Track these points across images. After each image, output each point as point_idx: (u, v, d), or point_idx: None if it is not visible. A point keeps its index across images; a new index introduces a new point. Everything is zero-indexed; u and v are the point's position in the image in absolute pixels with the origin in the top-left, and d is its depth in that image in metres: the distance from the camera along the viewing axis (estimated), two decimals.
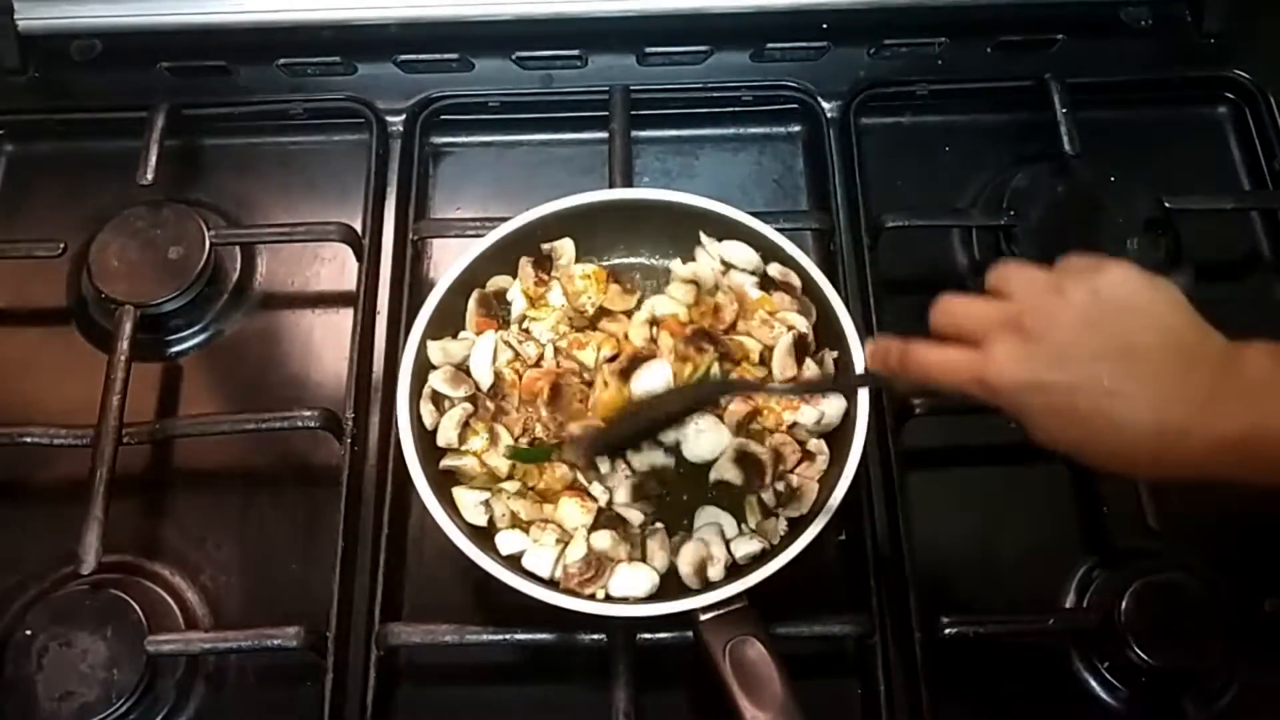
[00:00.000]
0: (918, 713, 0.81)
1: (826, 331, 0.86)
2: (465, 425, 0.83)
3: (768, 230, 0.88)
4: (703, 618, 0.74)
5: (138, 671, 0.80)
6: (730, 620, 0.74)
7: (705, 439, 0.82)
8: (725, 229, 0.89)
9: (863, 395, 0.81)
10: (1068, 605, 0.86)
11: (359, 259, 0.97)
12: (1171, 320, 0.63)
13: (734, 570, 0.78)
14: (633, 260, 0.93)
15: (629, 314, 0.88)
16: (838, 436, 0.83)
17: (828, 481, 0.80)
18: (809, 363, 0.85)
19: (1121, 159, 1.02)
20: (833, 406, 0.83)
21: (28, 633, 0.82)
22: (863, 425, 0.80)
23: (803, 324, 0.86)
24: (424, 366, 0.84)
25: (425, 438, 0.82)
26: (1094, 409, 0.61)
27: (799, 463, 0.82)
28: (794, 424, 0.84)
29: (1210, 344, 0.63)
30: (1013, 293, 0.66)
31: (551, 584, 0.78)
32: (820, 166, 1.03)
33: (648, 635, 0.81)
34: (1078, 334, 0.62)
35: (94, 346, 0.97)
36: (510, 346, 0.86)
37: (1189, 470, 0.61)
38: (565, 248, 0.90)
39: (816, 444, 0.83)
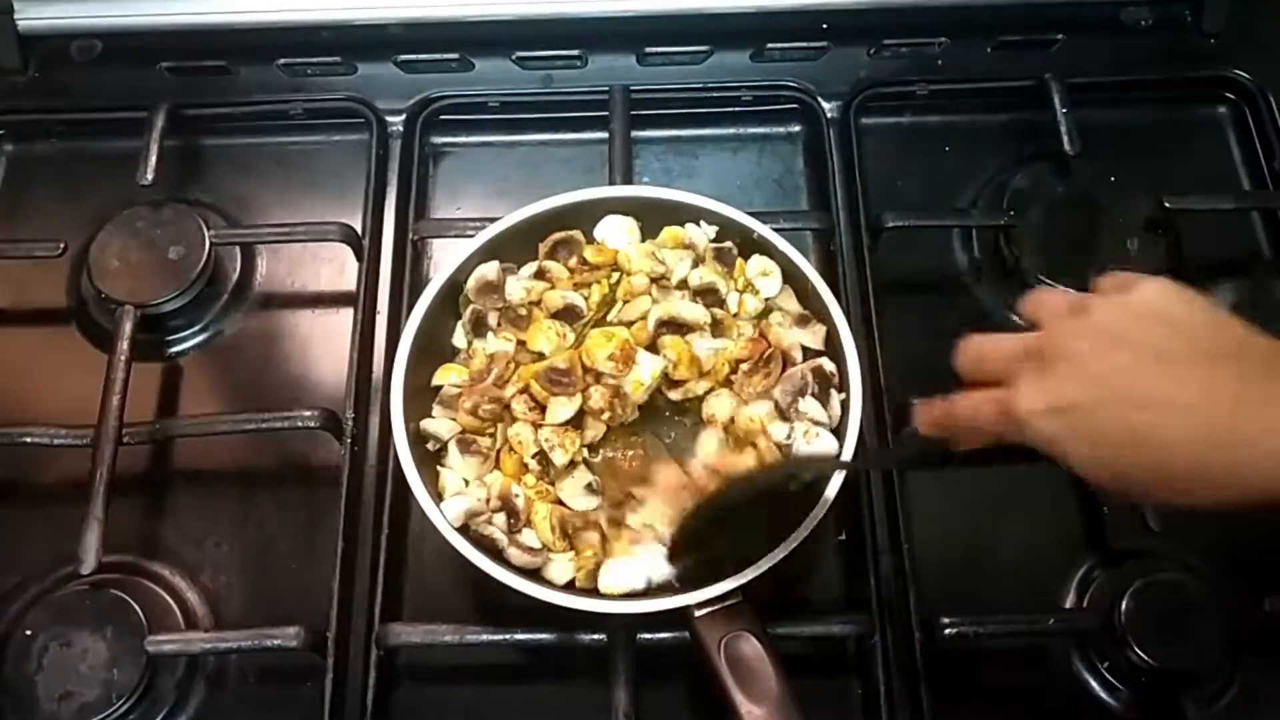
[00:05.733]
0: (918, 713, 0.81)
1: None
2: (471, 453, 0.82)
3: (760, 226, 0.87)
4: (697, 614, 0.74)
5: (138, 671, 0.80)
6: (725, 616, 0.74)
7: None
8: (718, 226, 0.89)
9: (855, 390, 0.81)
10: (1068, 605, 0.86)
11: (359, 259, 0.97)
12: (1210, 327, 0.58)
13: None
14: None
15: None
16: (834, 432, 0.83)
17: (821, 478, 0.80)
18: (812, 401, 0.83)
19: (1121, 159, 1.02)
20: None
21: (28, 633, 0.81)
22: (856, 419, 0.80)
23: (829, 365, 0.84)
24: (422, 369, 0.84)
25: (422, 446, 0.82)
26: (1122, 426, 0.56)
27: None
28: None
29: (1256, 344, 0.57)
30: (1040, 320, 0.62)
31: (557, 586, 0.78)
32: (820, 166, 1.03)
33: (648, 635, 0.81)
34: (1100, 350, 0.58)
35: (94, 346, 0.97)
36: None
37: (1247, 489, 0.55)
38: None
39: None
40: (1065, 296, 0.64)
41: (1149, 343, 0.57)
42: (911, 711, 0.81)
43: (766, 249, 0.88)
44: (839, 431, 0.81)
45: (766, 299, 0.87)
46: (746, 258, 0.89)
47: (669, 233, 0.89)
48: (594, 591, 0.78)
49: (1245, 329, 0.58)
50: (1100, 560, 0.87)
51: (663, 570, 0.77)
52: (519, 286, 0.86)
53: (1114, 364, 0.57)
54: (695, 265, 0.88)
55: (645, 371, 0.82)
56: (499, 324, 0.86)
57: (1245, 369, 0.56)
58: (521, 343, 0.85)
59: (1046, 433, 0.58)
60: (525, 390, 0.83)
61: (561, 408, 0.81)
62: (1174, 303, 0.59)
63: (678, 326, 0.85)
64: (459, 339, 0.87)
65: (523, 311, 0.86)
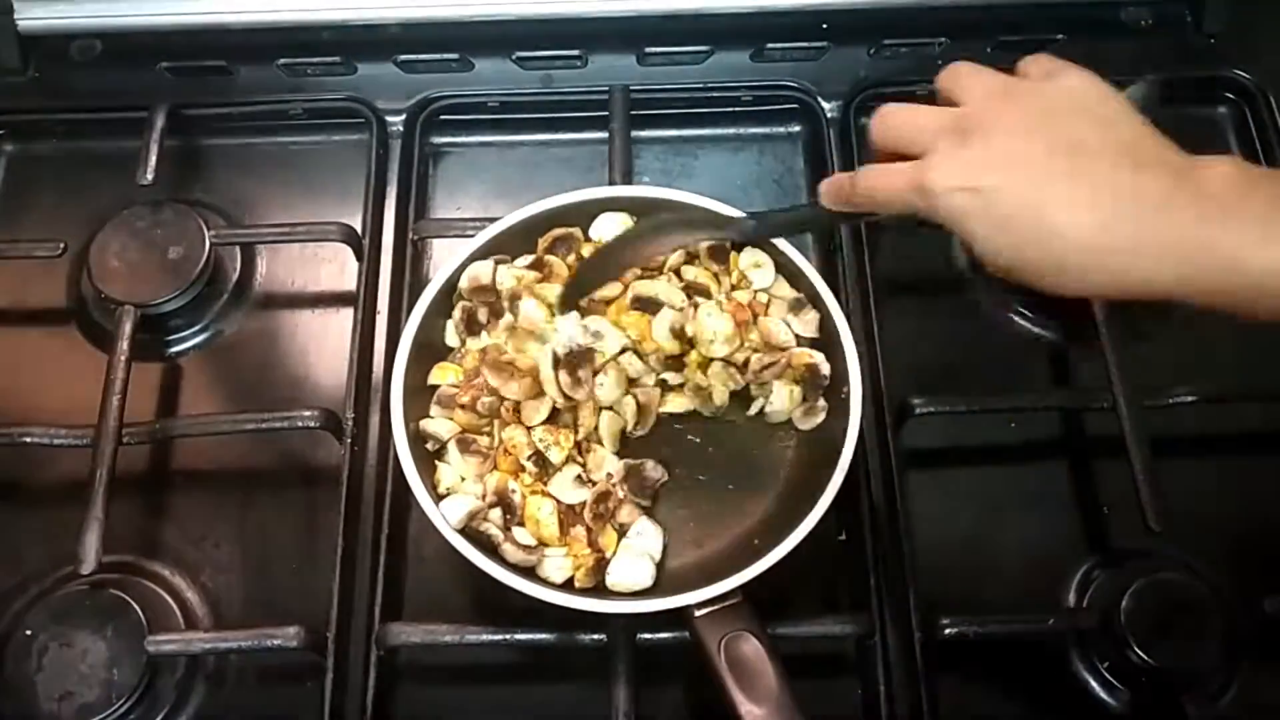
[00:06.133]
0: (918, 713, 0.81)
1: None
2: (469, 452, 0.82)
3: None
4: (698, 613, 0.74)
5: (138, 671, 0.80)
6: (725, 615, 0.74)
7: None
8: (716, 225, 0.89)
9: (855, 390, 0.81)
10: (1068, 605, 0.86)
11: (359, 259, 0.97)
12: (1126, 127, 0.60)
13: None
14: None
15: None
16: (832, 428, 0.83)
17: (823, 476, 0.80)
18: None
19: None
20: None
21: (28, 633, 0.81)
22: (856, 419, 0.80)
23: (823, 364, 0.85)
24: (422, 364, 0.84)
25: (422, 445, 0.82)
26: (1028, 211, 0.58)
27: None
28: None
29: (1167, 153, 0.59)
30: (961, 98, 0.64)
31: (556, 584, 0.78)
32: (820, 166, 1.03)
33: (648, 635, 0.81)
34: (1019, 135, 0.60)
35: (94, 346, 0.97)
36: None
37: (1130, 283, 0.58)
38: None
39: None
40: (988, 75, 0.64)
41: (1067, 135, 0.59)
42: (911, 711, 0.81)
43: (765, 249, 0.88)
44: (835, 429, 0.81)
45: (757, 289, 0.87)
46: (740, 250, 0.89)
47: None
48: (594, 591, 0.78)
49: (1157, 136, 0.60)
50: (1100, 560, 0.87)
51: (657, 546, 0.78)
52: (510, 275, 0.86)
53: (1031, 151, 0.59)
54: (689, 262, 0.88)
55: (612, 345, 0.83)
56: (488, 320, 0.86)
57: (1151, 175, 0.57)
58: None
59: (955, 209, 0.60)
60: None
61: (534, 411, 0.82)
62: (1097, 98, 0.61)
63: (655, 306, 0.85)
64: (451, 338, 0.87)
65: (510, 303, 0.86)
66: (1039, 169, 0.58)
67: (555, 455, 0.81)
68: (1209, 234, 0.55)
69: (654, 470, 0.83)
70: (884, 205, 0.65)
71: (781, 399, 0.84)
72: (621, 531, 0.81)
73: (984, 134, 0.60)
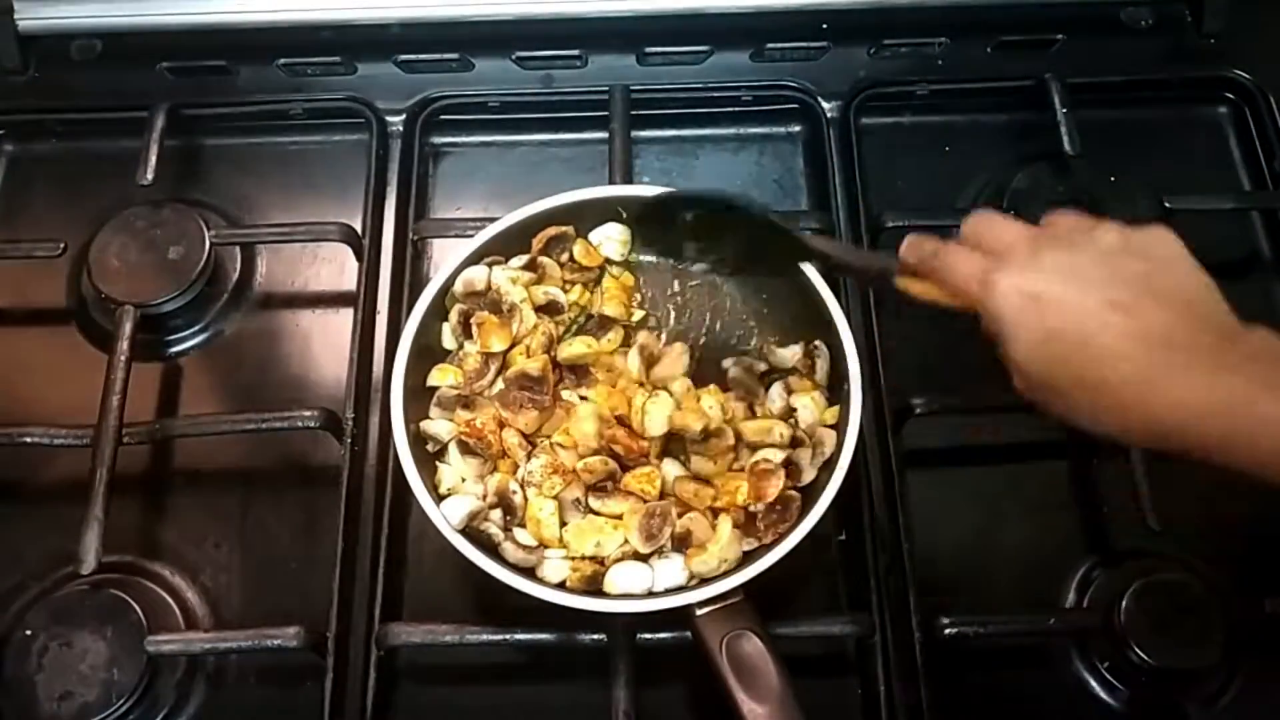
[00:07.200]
0: (918, 713, 0.81)
1: (816, 322, 0.85)
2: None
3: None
4: (699, 612, 0.74)
5: (138, 671, 0.80)
6: (726, 614, 0.74)
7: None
8: None
9: (855, 389, 0.80)
10: (1068, 605, 0.86)
11: (359, 259, 0.97)
12: (1195, 287, 0.61)
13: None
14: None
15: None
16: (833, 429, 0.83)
17: (823, 476, 0.79)
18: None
19: (1121, 159, 1.02)
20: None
21: (28, 633, 0.82)
22: (856, 417, 0.79)
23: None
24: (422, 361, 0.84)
25: (422, 446, 0.82)
26: (1079, 332, 0.59)
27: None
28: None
29: (1222, 313, 0.61)
30: (1053, 224, 0.67)
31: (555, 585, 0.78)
32: (820, 166, 1.03)
33: (648, 635, 0.81)
34: (1096, 261, 0.61)
35: (94, 346, 0.97)
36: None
37: (1166, 430, 0.58)
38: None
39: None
40: (1082, 216, 0.67)
41: (1135, 271, 0.61)
42: (911, 711, 0.81)
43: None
44: (834, 428, 0.81)
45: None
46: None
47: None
48: (594, 591, 0.78)
49: (1219, 298, 0.61)
50: (1100, 560, 0.87)
51: (669, 579, 0.77)
52: (504, 276, 0.86)
53: (1097, 276, 0.60)
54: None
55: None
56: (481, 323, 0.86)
57: (1205, 331, 0.58)
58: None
59: (1007, 309, 0.61)
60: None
61: (525, 417, 0.82)
62: (1178, 254, 0.62)
63: None
64: (448, 340, 0.87)
65: (505, 306, 0.86)
66: (1101, 294, 0.59)
67: (535, 495, 0.80)
68: (1254, 395, 0.55)
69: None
70: (948, 282, 0.67)
71: (810, 413, 0.82)
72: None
73: (1057, 252, 0.62)
